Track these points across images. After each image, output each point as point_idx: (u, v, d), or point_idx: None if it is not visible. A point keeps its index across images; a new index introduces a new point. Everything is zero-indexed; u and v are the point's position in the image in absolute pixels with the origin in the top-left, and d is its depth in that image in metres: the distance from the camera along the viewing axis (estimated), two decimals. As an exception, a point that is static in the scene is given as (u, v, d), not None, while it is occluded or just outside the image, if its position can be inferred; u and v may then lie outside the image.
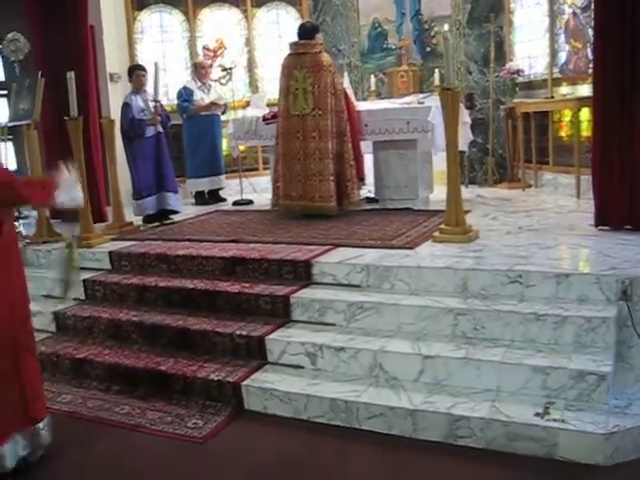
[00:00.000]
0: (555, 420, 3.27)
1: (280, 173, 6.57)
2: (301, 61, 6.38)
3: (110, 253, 5.71)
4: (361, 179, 6.64)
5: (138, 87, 6.87)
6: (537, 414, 3.34)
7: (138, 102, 6.74)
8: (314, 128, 6.29)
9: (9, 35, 8.20)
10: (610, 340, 3.66)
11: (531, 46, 8.00)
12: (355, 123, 6.51)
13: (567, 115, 7.27)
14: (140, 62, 8.20)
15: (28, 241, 6.33)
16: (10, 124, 7.21)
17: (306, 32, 6.52)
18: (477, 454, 3.34)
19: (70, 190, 3.41)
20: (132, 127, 6.65)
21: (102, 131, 6.95)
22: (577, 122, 6.81)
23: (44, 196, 3.40)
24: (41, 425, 3.49)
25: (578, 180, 6.73)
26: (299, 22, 8.56)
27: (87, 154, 6.44)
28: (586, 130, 6.70)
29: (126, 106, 6.69)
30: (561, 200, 6.76)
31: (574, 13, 7.11)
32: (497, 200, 7.12)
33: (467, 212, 5.62)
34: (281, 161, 6.55)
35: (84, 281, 5.44)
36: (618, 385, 3.58)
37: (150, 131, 6.74)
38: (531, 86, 8.05)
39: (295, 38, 6.64)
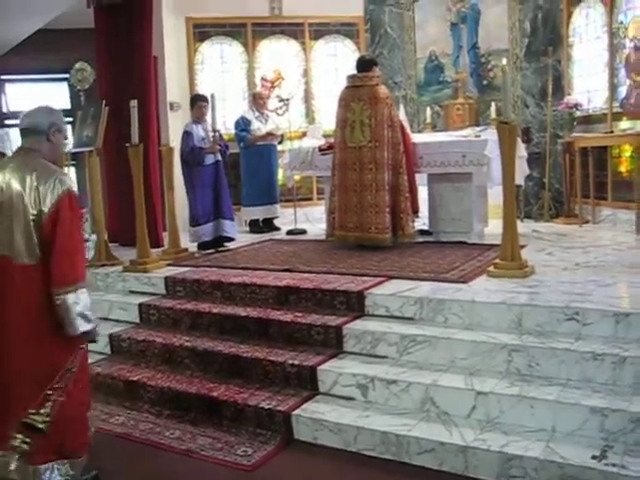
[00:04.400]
0: (614, 465, 3.16)
1: (336, 204, 6.59)
2: (358, 93, 6.43)
3: (166, 278, 5.80)
4: (415, 211, 6.61)
5: (199, 117, 7.03)
6: (594, 457, 3.24)
7: (199, 131, 6.90)
8: (371, 160, 6.31)
9: (77, 65, 8.51)
10: (672, 383, 3.55)
11: (590, 80, 7.91)
12: (411, 155, 6.51)
13: (627, 150, 7.15)
14: (200, 92, 8.39)
15: (87, 265, 6.46)
16: (74, 150, 7.44)
17: (364, 65, 6.58)
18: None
19: None
20: (192, 155, 6.80)
21: (161, 158, 7.14)
22: (638, 157, 6.68)
23: None
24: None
25: (638, 216, 6.58)
26: (356, 55, 8.72)
27: (146, 180, 6.60)
28: (647, 166, 6.57)
29: (187, 134, 6.86)
30: (620, 237, 6.61)
31: (635, 47, 7.01)
32: (553, 235, 7.01)
33: (522, 247, 5.54)
34: (337, 192, 6.59)
35: (139, 305, 5.55)
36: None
37: (209, 159, 6.88)
38: (589, 120, 7.94)
39: (352, 70, 6.72)
